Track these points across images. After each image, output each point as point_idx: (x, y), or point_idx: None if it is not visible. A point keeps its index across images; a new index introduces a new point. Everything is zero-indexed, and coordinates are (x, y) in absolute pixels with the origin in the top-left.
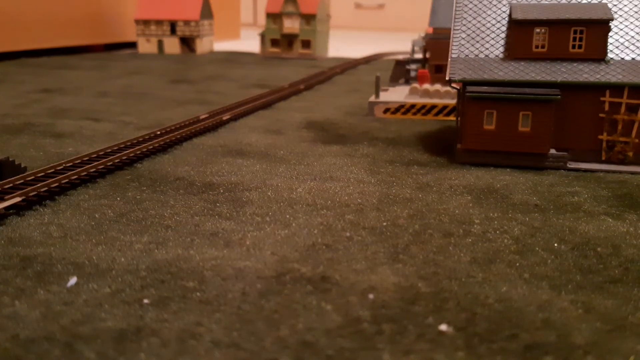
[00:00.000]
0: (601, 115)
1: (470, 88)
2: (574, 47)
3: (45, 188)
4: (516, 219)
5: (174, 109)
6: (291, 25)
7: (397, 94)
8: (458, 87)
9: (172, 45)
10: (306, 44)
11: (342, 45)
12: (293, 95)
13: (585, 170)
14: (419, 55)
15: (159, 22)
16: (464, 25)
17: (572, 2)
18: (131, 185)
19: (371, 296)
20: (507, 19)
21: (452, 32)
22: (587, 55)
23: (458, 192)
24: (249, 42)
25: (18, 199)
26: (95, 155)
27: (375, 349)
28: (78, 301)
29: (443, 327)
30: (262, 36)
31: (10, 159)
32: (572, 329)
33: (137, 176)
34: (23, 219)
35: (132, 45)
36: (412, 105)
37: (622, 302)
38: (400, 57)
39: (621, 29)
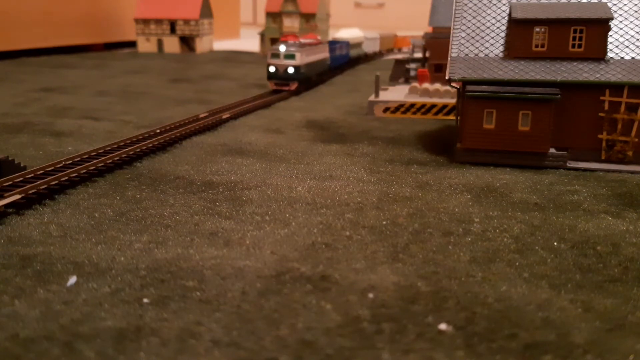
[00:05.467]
0: (601, 114)
1: (469, 87)
2: (573, 46)
3: (45, 186)
4: (516, 217)
5: (173, 108)
6: (291, 24)
7: (397, 93)
8: (458, 87)
9: (172, 45)
10: None
11: None
12: (293, 94)
13: (585, 170)
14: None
15: (158, 21)
16: (464, 24)
17: (572, 1)
18: (131, 184)
19: (371, 295)
20: (507, 18)
21: (452, 32)
22: (587, 55)
23: (458, 191)
24: (249, 41)
25: (18, 197)
26: (94, 154)
27: (374, 348)
28: (78, 300)
29: (443, 326)
30: (262, 35)
31: (10, 158)
32: (572, 328)
33: (136, 175)
34: (23, 218)
35: (132, 44)
36: (412, 105)
37: (621, 302)
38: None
39: (621, 28)
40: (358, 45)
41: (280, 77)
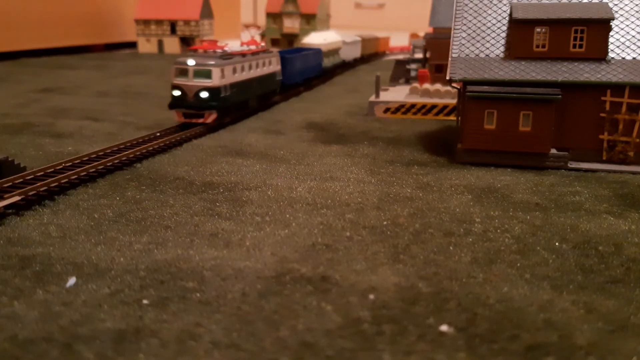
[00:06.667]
0: (602, 114)
1: (470, 88)
2: (574, 46)
3: (45, 188)
4: (517, 218)
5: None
6: (291, 24)
7: (397, 94)
8: (458, 87)
9: (172, 45)
10: None
11: None
12: (293, 96)
13: (586, 170)
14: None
15: (159, 22)
16: (465, 24)
17: (572, 1)
18: (130, 185)
19: (371, 296)
20: (507, 18)
21: (452, 32)
22: (588, 55)
23: (459, 192)
24: None
25: (17, 198)
26: (94, 156)
27: (375, 350)
28: (77, 302)
29: (444, 327)
30: (262, 36)
31: (10, 159)
32: (574, 330)
33: (136, 176)
34: (22, 219)
35: (132, 45)
36: (412, 105)
37: (623, 303)
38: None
39: (622, 29)
40: (334, 52)
41: (189, 104)
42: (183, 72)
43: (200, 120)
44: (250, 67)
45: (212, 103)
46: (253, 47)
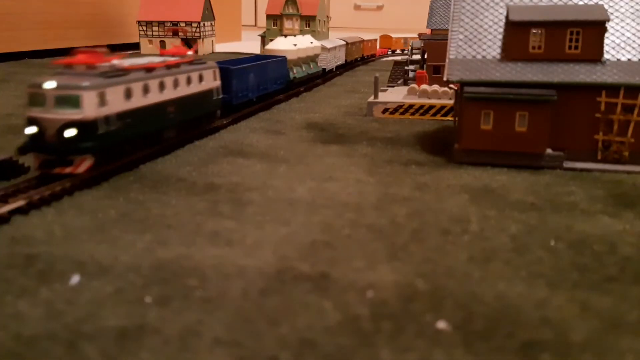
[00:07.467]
0: (597, 115)
1: (467, 89)
2: (570, 48)
3: (49, 192)
4: (513, 217)
5: None
6: (291, 26)
7: (396, 95)
8: (456, 88)
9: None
10: None
11: None
12: (293, 96)
13: (581, 170)
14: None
15: (161, 23)
16: (462, 26)
17: (568, 3)
18: (134, 186)
19: (370, 294)
20: (504, 20)
21: (449, 34)
22: (584, 56)
23: (456, 191)
24: (250, 43)
25: (22, 202)
26: None
27: (374, 347)
28: (81, 300)
29: (441, 324)
30: (263, 37)
31: (14, 159)
32: (569, 327)
33: (139, 177)
34: (27, 218)
35: (135, 46)
36: (411, 106)
37: (618, 301)
38: None
39: (617, 30)
40: (309, 59)
41: (49, 147)
42: (39, 98)
43: (67, 170)
44: (161, 86)
45: (83, 144)
46: (173, 58)
